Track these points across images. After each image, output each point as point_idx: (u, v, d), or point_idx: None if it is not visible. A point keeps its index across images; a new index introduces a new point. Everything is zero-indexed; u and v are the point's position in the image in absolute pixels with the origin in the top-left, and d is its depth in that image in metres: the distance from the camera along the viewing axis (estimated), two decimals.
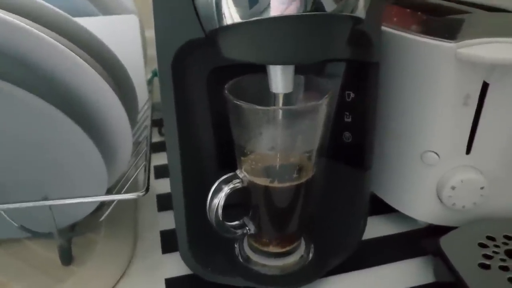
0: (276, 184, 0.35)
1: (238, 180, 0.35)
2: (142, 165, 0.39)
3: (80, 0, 0.50)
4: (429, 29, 0.41)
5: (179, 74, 0.32)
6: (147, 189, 0.36)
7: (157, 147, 0.56)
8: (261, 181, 0.35)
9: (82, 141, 0.34)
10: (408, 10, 0.46)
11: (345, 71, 0.39)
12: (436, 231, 0.43)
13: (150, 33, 0.32)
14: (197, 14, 0.29)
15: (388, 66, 0.41)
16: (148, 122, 0.48)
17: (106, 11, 0.53)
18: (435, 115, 0.40)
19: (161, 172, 0.58)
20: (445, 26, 0.41)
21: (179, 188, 0.35)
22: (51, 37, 0.32)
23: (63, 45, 0.32)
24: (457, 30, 0.39)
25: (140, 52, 0.53)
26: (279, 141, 0.34)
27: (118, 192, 0.38)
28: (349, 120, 0.40)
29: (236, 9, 0.27)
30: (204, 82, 0.38)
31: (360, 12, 0.29)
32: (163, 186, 0.55)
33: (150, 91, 0.55)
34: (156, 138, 0.63)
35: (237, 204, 0.37)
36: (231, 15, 0.27)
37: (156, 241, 0.45)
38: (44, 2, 0.33)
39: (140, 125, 0.48)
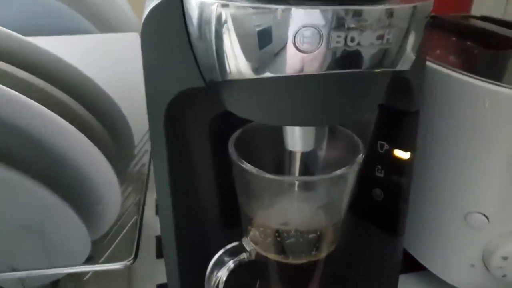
0: (290, 261, 0.29)
1: (244, 254, 0.29)
2: (130, 223, 0.33)
3: (80, 21, 0.45)
4: (482, 66, 0.34)
5: (174, 127, 0.26)
6: (135, 257, 0.30)
7: None
8: (272, 256, 0.29)
9: (64, 209, 0.29)
10: (454, 38, 0.39)
11: (378, 117, 0.32)
12: None
13: None
14: (196, 61, 0.23)
15: (429, 110, 0.34)
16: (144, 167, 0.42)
17: (108, 30, 0.47)
18: (486, 171, 0.33)
19: None
20: (502, 63, 0.34)
21: (173, 255, 0.30)
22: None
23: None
24: None
25: (141, 70, 0.47)
26: (295, 216, 0.28)
27: (105, 251, 0.33)
28: (381, 175, 0.33)
29: (243, 62, 0.20)
30: (205, 128, 0.32)
31: (404, 65, 0.22)
32: None
33: None
34: None
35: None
36: (237, 68, 0.21)
37: None
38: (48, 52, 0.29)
39: (136, 162, 0.42)
